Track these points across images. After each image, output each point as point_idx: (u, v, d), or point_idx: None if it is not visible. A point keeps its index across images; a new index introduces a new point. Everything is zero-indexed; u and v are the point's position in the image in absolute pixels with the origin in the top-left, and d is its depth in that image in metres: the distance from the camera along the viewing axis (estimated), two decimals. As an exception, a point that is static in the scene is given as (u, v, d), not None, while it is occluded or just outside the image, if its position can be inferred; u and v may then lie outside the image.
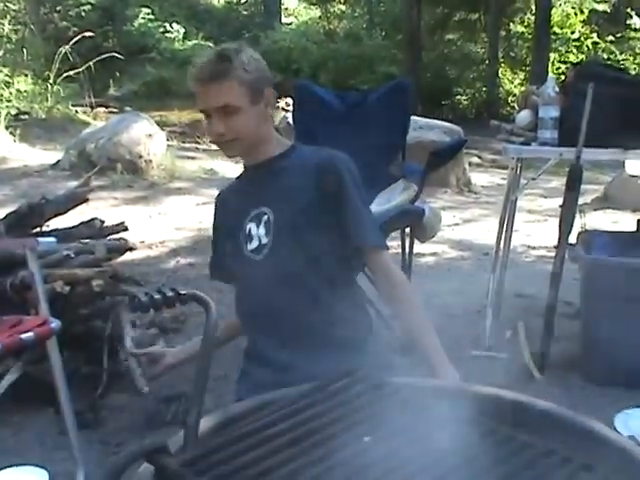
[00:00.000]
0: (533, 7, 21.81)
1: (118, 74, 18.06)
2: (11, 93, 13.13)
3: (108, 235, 4.56)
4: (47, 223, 4.47)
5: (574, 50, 21.94)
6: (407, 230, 4.35)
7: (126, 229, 4.62)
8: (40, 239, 3.56)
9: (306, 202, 2.51)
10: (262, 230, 2.54)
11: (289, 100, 7.57)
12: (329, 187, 2.51)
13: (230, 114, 2.45)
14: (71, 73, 13.62)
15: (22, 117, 12.60)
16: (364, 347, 2.54)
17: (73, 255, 3.95)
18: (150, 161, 9.82)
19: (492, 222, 7.08)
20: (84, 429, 3.35)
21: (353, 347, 2.47)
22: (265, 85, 2.53)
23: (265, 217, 2.54)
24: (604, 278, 3.97)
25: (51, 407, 3.49)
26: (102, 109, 15.29)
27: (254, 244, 2.56)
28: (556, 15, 22.10)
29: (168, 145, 10.81)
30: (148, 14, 21.63)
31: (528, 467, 1.38)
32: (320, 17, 26.92)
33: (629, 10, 21.56)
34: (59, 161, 9.97)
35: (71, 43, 13.73)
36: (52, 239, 3.73)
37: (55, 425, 3.43)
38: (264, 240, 2.53)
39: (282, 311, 2.51)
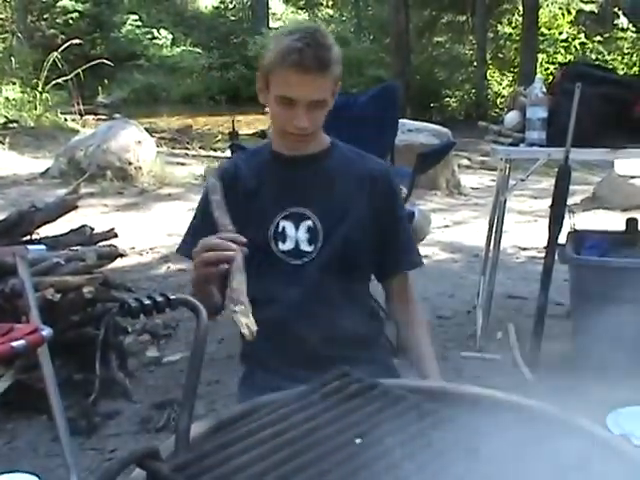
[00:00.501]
0: (521, 8, 21.89)
1: (107, 81, 18.07)
2: (-1, 102, 13.16)
3: (98, 242, 4.57)
4: (37, 231, 4.47)
5: (562, 51, 22.04)
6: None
7: (116, 236, 4.62)
8: (30, 247, 3.56)
9: (359, 217, 2.35)
10: (303, 235, 2.33)
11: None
12: (383, 203, 2.38)
13: (317, 108, 2.26)
14: (59, 81, 13.65)
15: (11, 125, 12.62)
16: (375, 357, 2.42)
17: (63, 262, 3.95)
18: (140, 168, 9.83)
19: (482, 224, 7.09)
20: (77, 436, 3.36)
21: (367, 361, 2.30)
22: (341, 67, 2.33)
23: (309, 222, 2.33)
24: (593, 278, 3.98)
25: (44, 414, 3.49)
26: (91, 116, 15.31)
27: (288, 245, 2.34)
28: (544, 16, 22.22)
29: (157, 151, 10.83)
30: (136, 21, 21.67)
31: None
32: (307, 21, 26.97)
33: (616, 10, 21.66)
34: (48, 169, 9.98)
35: (59, 51, 13.74)
36: (42, 247, 3.74)
37: (48, 432, 3.44)
38: (305, 247, 2.33)
39: (307, 320, 2.28)
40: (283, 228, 2.33)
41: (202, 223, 2.32)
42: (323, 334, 2.25)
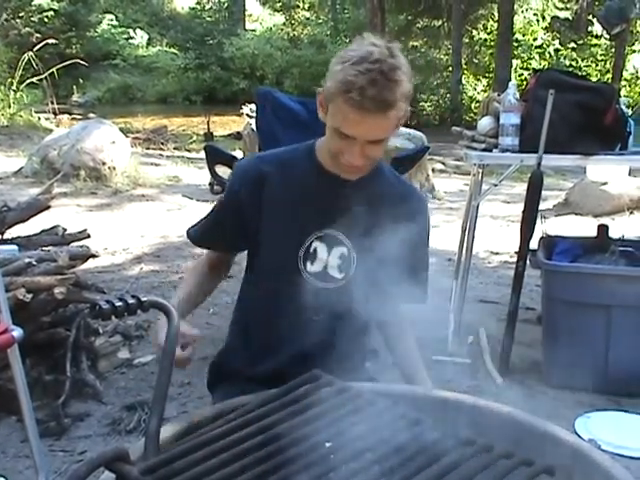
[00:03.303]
0: (496, 14, 21.99)
1: (82, 80, 18.00)
2: (-27, 100, 13.08)
3: (70, 242, 4.55)
4: (8, 231, 4.45)
5: (536, 57, 22.18)
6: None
7: (89, 236, 4.60)
8: (1, 247, 3.54)
9: (395, 253, 2.15)
10: (334, 260, 2.25)
11: (253, 107, 7.58)
12: (417, 237, 2.28)
13: (376, 145, 2.10)
14: (34, 80, 13.58)
15: (-16, 124, 12.54)
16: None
17: (35, 263, 3.93)
18: (114, 168, 9.79)
19: (456, 228, 7.09)
20: (46, 437, 3.34)
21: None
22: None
23: (344, 250, 2.25)
24: (564, 284, 4.00)
25: (13, 415, 3.47)
26: (65, 116, 15.24)
27: (317, 267, 2.24)
28: (518, 22, 22.32)
29: (132, 152, 10.80)
30: (112, 20, 21.61)
31: (487, 469, 1.40)
32: (284, 23, 27.04)
33: (590, 17, 21.81)
34: (21, 168, 9.93)
35: (34, 49, 13.67)
36: (14, 247, 3.72)
37: (17, 433, 3.41)
38: (335, 273, 2.25)
39: (321, 343, 2.21)
40: (315, 248, 2.24)
41: (215, 224, 2.36)
42: (323, 353, 2.16)
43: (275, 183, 2.25)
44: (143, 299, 1.60)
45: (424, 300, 2.46)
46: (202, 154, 5.33)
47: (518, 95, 4.25)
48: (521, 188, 8.13)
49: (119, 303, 1.57)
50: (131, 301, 1.58)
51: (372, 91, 1.96)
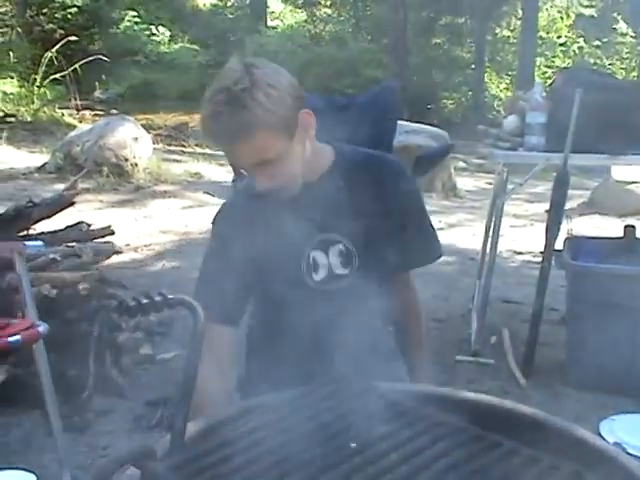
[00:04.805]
0: (520, 11, 21.88)
1: (104, 77, 17.99)
2: (-3, 96, 13.14)
3: (95, 238, 4.57)
4: (34, 226, 4.47)
5: (560, 54, 22.04)
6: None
7: (113, 233, 4.62)
8: (27, 242, 3.55)
9: (385, 229, 2.21)
10: (335, 259, 2.22)
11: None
12: (404, 204, 2.26)
13: (269, 164, 1.99)
14: (57, 76, 13.62)
15: (8, 120, 12.58)
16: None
17: (60, 258, 3.95)
18: (136, 164, 9.83)
19: (478, 227, 7.10)
20: (71, 432, 3.35)
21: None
22: (296, 111, 2.02)
23: (340, 246, 2.22)
24: (590, 285, 3.98)
25: (38, 410, 3.48)
26: (88, 112, 15.26)
27: (322, 274, 2.22)
28: (542, 19, 22.21)
29: (154, 148, 10.82)
30: (134, 17, 21.62)
31: (515, 473, 1.39)
32: (306, 20, 26.96)
33: (615, 15, 21.68)
34: (45, 164, 9.97)
35: (57, 46, 13.71)
36: (39, 242, 3.72)
37: (42, 428, 3.43)
38: (340, 271, 2.22)
39: (344, 343, 2.09)
40: (314, 258, 2.21)
41: (223, 272, 2.19)
42: (346, 353, 2.03)
43: (251, 222, 2.18)
44: (169, 296, 1.59)
45: (438, 255, 2.42)
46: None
47: (544, 93, 4.23)
48: (544, 187, 8.11)
49: (145, 300, 1.56)
50: (157, 298, 1.58)
51: (220, 126, 1.92)
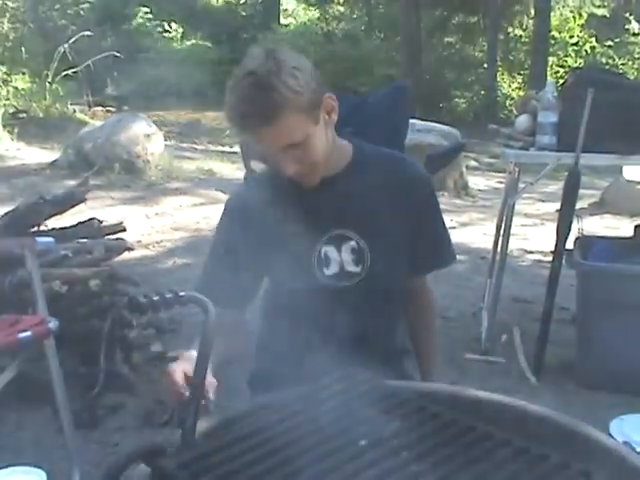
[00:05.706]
0: (532, 11, 21.83)
1: (116, 73, 18.02)
2: (9, 91, 13.16)
3: (106, 235, 4.57)
4: (45, 222, 4.47)
5: (572, 54, 21.97)
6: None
7: (124, 229, 4.62)
8: (38, 239, 3.56)
9: (400, 230, 2.22)
10: (347, 256, 2.20)
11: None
12: (421, 206, 2.27)
13: (297, 147, 2.01)
14: (69, 72, 13.64)
15: (20, 115, 12.60)
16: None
17: (71, 255, 3.96)
18: (148, 161, 9.83)
19: (489, 226, 7.08)
20: (81, 428, 3.36)
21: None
22: (321, 94, 2.04)
23: (352, 243, 2.20)
24: (600, 284, 3.98)
25: (48, 406, 3.49)
26: (100, 108, 15.29)
27: (333, 269, 2.21)
28: (555, 19, 22.15)
29: (166, 145, 10.82)
30: (147, 13, 21.63)
31: (525, 472, 1.39)
32: (319, 18, 26.92)
33: (628, 15, 21.62)
34: (57, 160, 9.98)
35: (70, 42, 13.73)
36: (50, 239, 3.74)
37: (52, 424, 3.44)
38: (351, 268, 2.21)
39: (356, 341, 2.11)
40: (325, 253, 2.20)
41: (229, 255, 2.21)
42: (358, 350, 1.96)
43: (259, 209, 2.16)
44: (180, 293, 1.59)
45: (452, 260, 2.42)
46: (236, 148, 5.33)
47: (556, 93, 4.22)
48: (555, 186, 8.10)
49: (156, 297, 1.56)
50: (168, 295, 1.58)
51: (249, 111, 1.93)
